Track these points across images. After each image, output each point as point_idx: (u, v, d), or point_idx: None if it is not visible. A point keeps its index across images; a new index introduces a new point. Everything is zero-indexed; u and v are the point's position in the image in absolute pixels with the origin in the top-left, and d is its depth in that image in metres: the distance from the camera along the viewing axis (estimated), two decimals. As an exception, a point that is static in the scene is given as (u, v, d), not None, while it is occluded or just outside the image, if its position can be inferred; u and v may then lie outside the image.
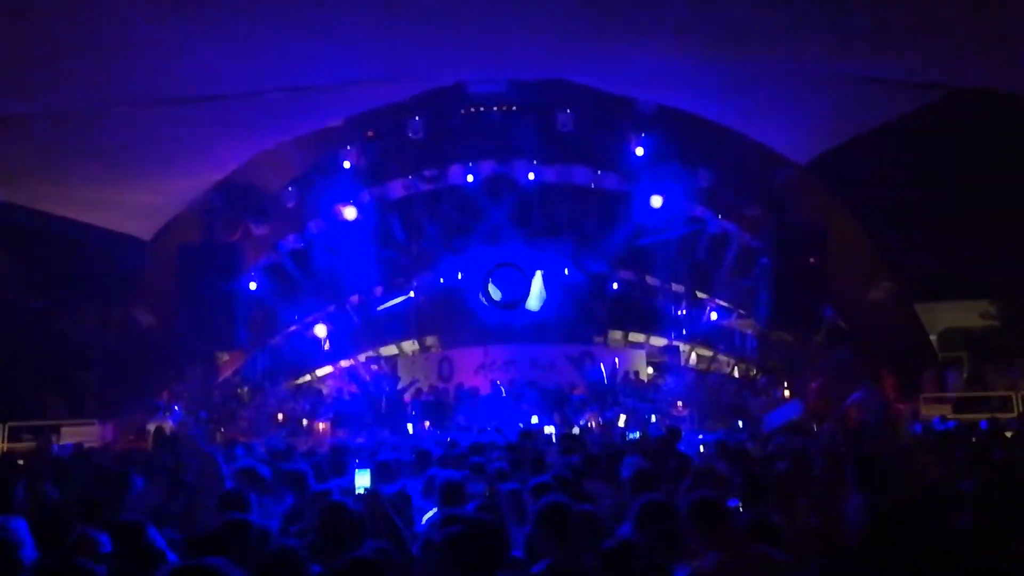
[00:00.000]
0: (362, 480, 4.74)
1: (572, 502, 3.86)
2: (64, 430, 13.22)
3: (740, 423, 13.96)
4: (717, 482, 5.20)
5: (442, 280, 18.76)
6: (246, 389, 15.84)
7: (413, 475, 6.09)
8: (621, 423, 14.30)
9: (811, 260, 14.08)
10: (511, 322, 18.45)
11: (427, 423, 14.86)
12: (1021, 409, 13.29)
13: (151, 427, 13.69)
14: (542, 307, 18.50)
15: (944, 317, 17.77)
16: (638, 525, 3.51)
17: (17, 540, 3.20)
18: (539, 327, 18.54)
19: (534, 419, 14.67)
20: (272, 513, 5.04)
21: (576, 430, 13.57)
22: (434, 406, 15.60)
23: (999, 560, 3.15)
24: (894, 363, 14.78)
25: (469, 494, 4.99)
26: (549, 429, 12.02)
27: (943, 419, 10.37)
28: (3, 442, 12.98)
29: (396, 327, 19.31)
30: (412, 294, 19.04)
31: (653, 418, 14.60)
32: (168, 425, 13.64)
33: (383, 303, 18.64)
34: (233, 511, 4.27)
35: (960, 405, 13.97)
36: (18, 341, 13.53)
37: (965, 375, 14.84)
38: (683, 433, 9.37)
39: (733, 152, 14.18)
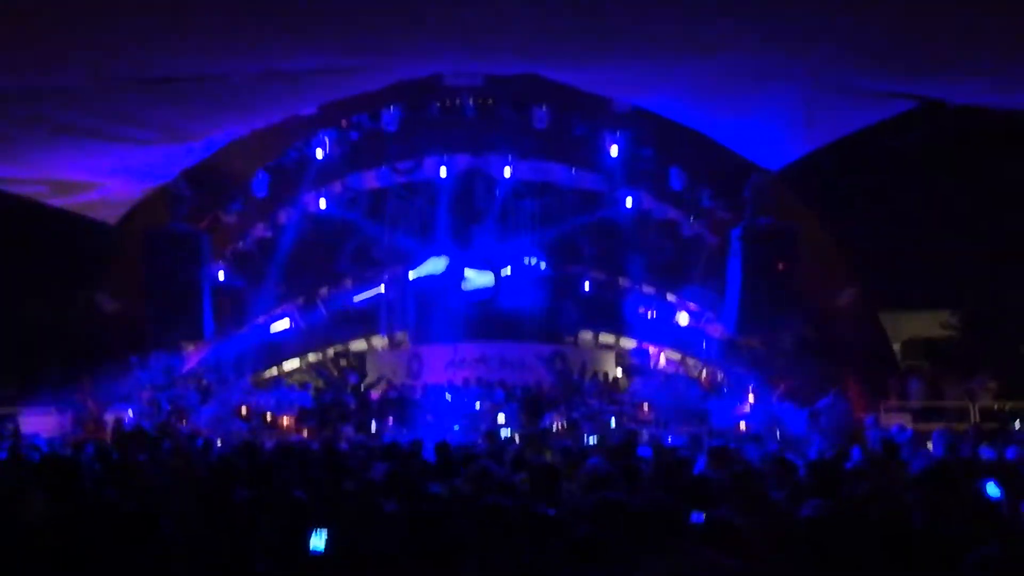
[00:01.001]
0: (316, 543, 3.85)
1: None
2: (21, 419, 12.94)
3: (705, 426, 14.12)
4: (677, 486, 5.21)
5: (411, 278, 18.64)
6: (209, 381, 15.59)
7: None
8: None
9: (780, 266, 14.20)
10: (482, 319, 18.39)
11: (391, 420, 14.77)
12: (976, 420, 13.55)
13: (110, 418, 13.46)
14: (513, 304, 18.44)
15: (907, 326, 18.07)
16: (594, 523, 3.49)
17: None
18: (510, 325, 18.50)
19: (501, 417, 14.66)
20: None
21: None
22: (400, 403, 15.51)
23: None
24: (858, 371, 15.00)
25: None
26: (505, 432, 11.99)
27: (902, 428, 10.52)
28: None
29: (366, 322, 19.15)
30: (383, 288, 18.88)
31: (612, 422, 14.66)
32: (127, 416, 13.41)
33: (357, 294, 18.46)
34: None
35: (920, 415, 14.21)
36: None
37: (925, 385, 15.09)
38: (645, 436, 9.42)
39: (706, 156, 14.27)
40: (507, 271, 18.38)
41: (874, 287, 15.66)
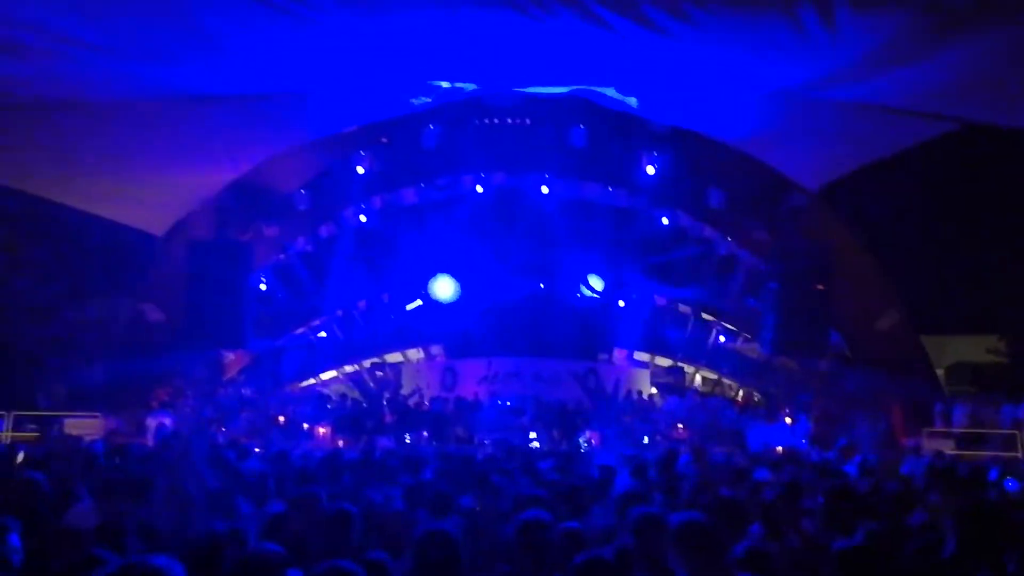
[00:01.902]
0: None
1: (555, 520, 3.87)
2: (67, 422, 13.31)
3: (740, 447, 13.93)
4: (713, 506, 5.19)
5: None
6: (249, 390, 15.88)
7: None
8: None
9: (818, 287, 14.02)
10: (517, 335, 18.44)
11: (425, 433, 14.86)
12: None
13: (151, 423, 13.77)
14: (549, 320, 18.44)
15: (951, 351, 17.68)
16: (633, 539, 3.49)
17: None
18: (545, 342, 18.51)
19: (532, 435, 14.66)
20: (257, 516, 5.06)
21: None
22: (433, 416, 15.60)
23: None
24: (900, 395, 14.69)
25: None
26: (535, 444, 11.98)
27: (939, 455, 10.28)
28: (8, 431, 13.10)
29: (402, 335, 19.34)
30: (420, 302, 19.06)
31: (646, 439, 14.55)
32: (168, 421, 13.71)
33: (404, 305, 18.62)
34: (218, 515, 4.32)
35: (963, 441, 13.86)
36: (26, 331, 13.66)
37: (970, 411, 14.72)
38: (680, 455, 9.35)
39: (744, 175, 14.19)
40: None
41: (918, 310, 15.36)
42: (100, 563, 2.88)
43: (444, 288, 17.79)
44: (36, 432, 12.88)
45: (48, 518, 4.79)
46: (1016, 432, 13.93)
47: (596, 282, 17.97)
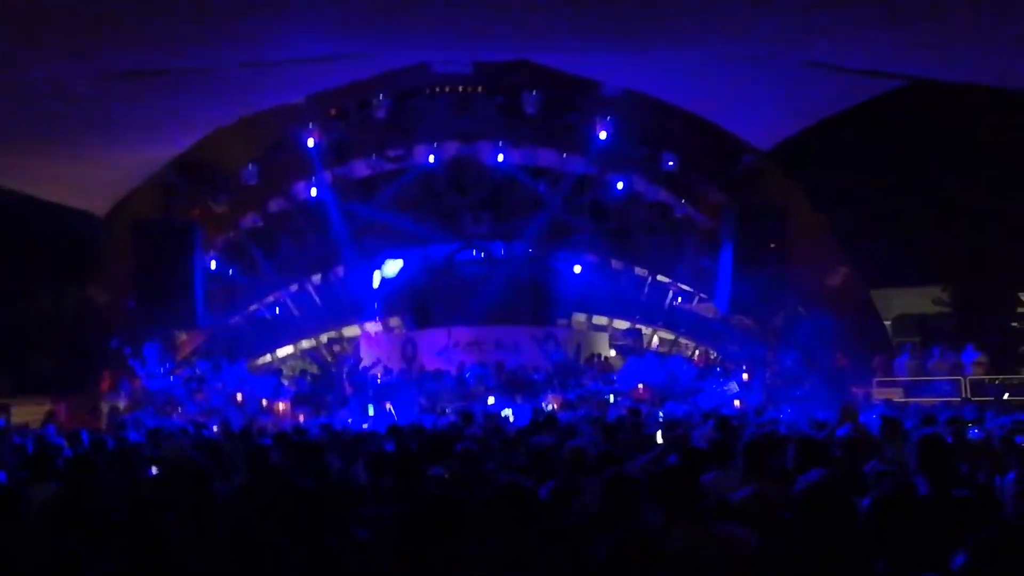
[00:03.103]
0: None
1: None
2: (14, 409, 12.94)
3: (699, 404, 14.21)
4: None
5: (403, 264, 18.62)
6: (203, 369, 15.59)
7: None
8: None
9: (772, 245, 14.27)
10: (475, 303, 18.42)
11: (388, 405, 14.82)
12: (967, 394, 13.70)
13: (105, 406, 13.46)
14: (507, 287, 18.48)
15: (898, 303, 18.21)
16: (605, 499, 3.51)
17: None
18: (504, 309, 18.54)
19: (491, 400, 14.75)
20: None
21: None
22: (396, 387, 15.56)
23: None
24: (849, 347, 15.12)
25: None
26: (507, 412, 12.09)
27: (888, 403, 10.63)
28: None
29: (359, 308, 19.15)
30: (379, 275, 18.87)
31: (611, 398, 14.76)
32: (121, 404, 13.42)
33: (359, 278, 18.45)
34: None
35: (911, 389, 14.35)
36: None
37: (915, 361, 15.22)
38: (642, 414, 9.49)
39: (697, 137, 14.28)
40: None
41: (865, 265, 15.75)
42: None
43: (390, 269, 17.84)
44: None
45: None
46: (960, 378, 14.48)
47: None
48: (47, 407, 13.25)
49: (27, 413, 12.78)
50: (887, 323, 17.32)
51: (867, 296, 16.06)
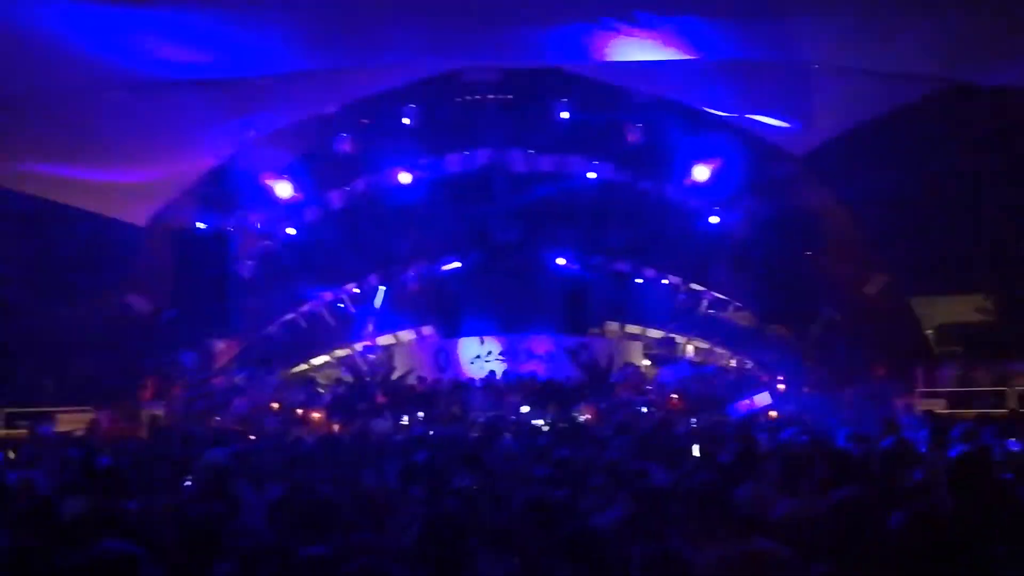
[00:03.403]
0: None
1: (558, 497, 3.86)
2: (59, 417, 13.22)
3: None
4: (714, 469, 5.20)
5: (436, 273, 18.73)
6: (241, 378, 15.82)
7: None
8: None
9: (807, 253, 14.05)
10: (508, 312, 18.44)
11: (420, 414, 14.86)
12: (1014, 405, 13.30)
13: (144, 415, 13.71)
14: (539, 297, 18.49)
15: (940, 312, 17.73)
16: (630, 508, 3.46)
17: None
18: (536, 319, 18.54)
19: (524, 409, 14.70)
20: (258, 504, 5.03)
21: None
22: (428, 396, 15.61)
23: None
24: (890, 357, 14.79)
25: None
26: (538, 421, 12.04)
27: (931, 415, 10.33)
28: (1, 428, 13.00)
29: (393, 316, 19.30)
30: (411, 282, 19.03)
31: (644, 409, 14.62)
32: (161, 413, 13.65)
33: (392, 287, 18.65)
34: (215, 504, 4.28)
35: (954, 400, 13.97)
36: (13, 328, 13.50)
37: (959, 370, 14.83)
38: (676, 424, 9.39)
39: (730, 144, 14.13)
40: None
41: (905, 272, 15.38)
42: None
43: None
44: (27, 429, 12.76)
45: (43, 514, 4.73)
46: (1005, 388, 14.06)
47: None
48: (90, 415, 13.53)
49: (71, 421, 13.06)
50: (928, 332, 16.89)
51: (907, 304, 15.70)
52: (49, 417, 12.96)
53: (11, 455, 9.07)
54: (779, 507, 4.40)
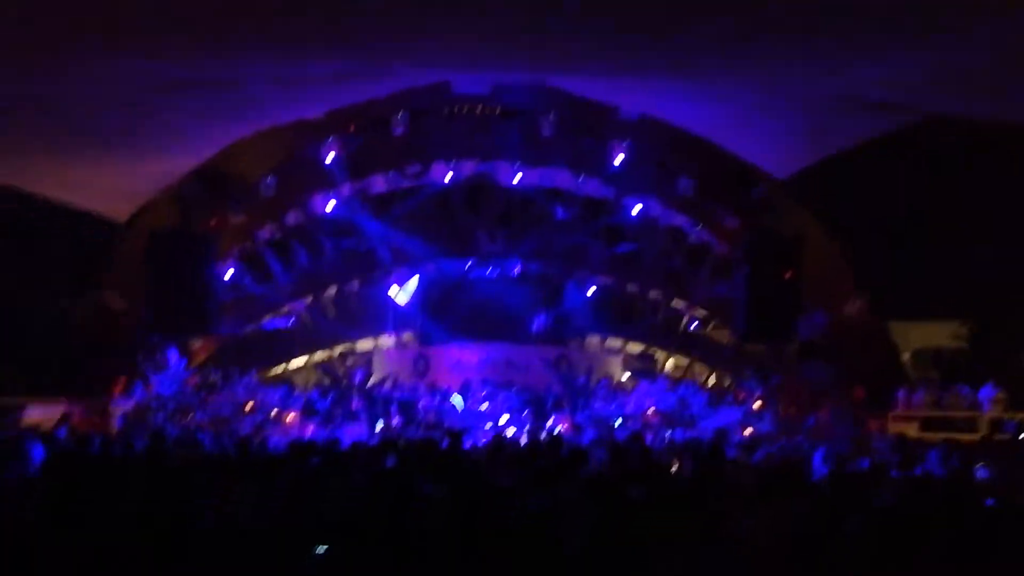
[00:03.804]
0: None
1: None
2: (28, 410, 13.08)
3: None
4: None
5: (418, 281, 18.69)
6: (216, 377, 15.70)
7: None
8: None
9: (787, 274, 14.17)
10: (488, 322, 18.44)
11: (396, 420, 14.82)
12: (985, 431, 13.45)
13: (115, 410, 13.60)
14: (521, 307, 18.52)
15: (917, 336, 17.94)
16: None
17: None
18: (516, 328, 18.56)
19: (503, 419, 14.71)
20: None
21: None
22: (406, 403, 15.57)
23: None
24: (866, 379, 14.92)
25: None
26: (511, 431, 12.05)
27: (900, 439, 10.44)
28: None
29: (372, 322, 19.22)
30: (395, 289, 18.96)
31: (618, 422, 14.67)
32: (132, 409, 13.54)
33: (373, 293, 18.55)
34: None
35: (928, 425, 14.12)
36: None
37: (933, 396, 14.98)
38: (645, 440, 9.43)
39: (713, 164, 14.27)
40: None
41: (884, 297, 15.57)
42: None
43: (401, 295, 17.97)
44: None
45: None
46: (977, 414, 14.23)
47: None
48: (61, 409, 13.40)
49: (41, 414, 12.93)
50: (905, 356, 17.08)
51: (884, 328, 15.86)
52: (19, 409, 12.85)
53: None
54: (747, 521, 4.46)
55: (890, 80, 9.27)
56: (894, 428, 13.77)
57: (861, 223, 14.37)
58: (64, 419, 12.39)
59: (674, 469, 6.92)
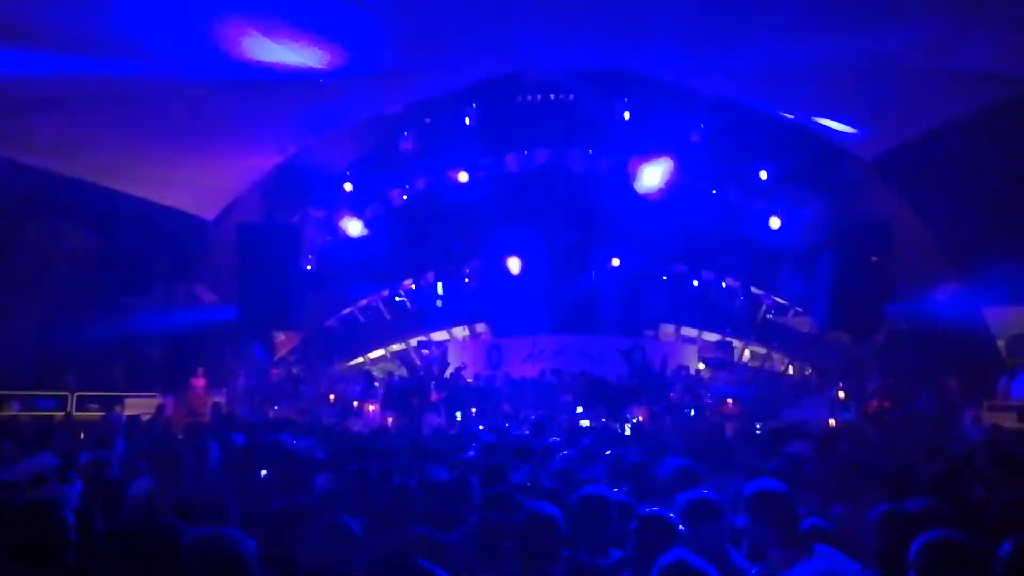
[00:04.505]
0: None
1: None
2: (127, 401, 13.76)
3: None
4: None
5: (492, 271, 18.81)
6: (300, 369, 16.19)
7: None
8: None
9: (873, 259, 13.66)
10: (562, 312, 18.42)
11: (473, 410, 14.96)
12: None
13: (208, 401, 14.15)
14: (594, 296, 18.44)
15: (1014, 323, 17.05)
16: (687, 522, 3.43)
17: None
18: (590, 318, 18.47)
19: (579, 410, 14.67)
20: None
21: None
22: (481, 393, 15.71)
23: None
24: (959, 367, 14.30)
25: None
26: (585, 423, 12.01)
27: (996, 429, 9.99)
28: (72, 410, 13.59)
29: (448, 313, 19.47)
30: (467, 280, 19.18)
31: (692, 412, 14.46)
32: (223, 400, 14.06)
33: (449, 284, 18.78)
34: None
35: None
36: (87, 315, 14.08)
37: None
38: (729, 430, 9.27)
39: (796, 146, 13.84)
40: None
41: (978, 282, 14.83)
42: (170, 532, 2.94)
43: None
44: (98, 411, 13.33)
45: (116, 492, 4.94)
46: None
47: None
48: (157, 401, 14.06)
49: (138, 406, 13.60)
50: (1000, 343, 16.26)
51: (979, 314, 15.14)
52: (119, 401, 13.52)
53: (82, 436, 9.48)
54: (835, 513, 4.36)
55: (981, 53, 8.80)
56: (989, 418, 13.14)
57: (954, 204, 13.71)
58: (160, 410, 12.99)
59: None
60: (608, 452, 6.24)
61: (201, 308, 15.29)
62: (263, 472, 5.62)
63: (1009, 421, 12.78)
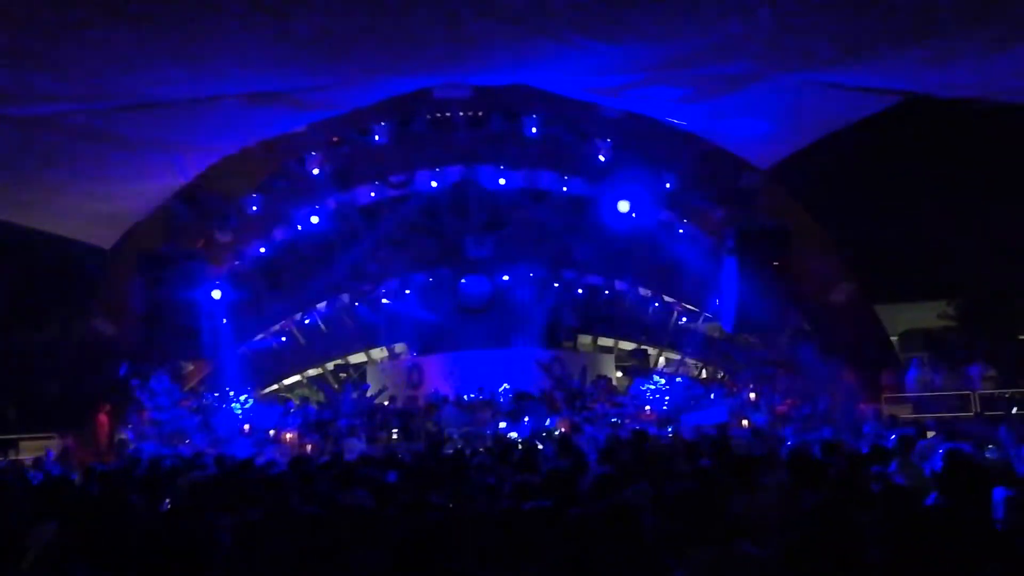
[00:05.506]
0: None
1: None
2: (23, 444, 12.93)
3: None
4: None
5: (408, 290, 18.70)
6: (211, 399, 15.59)
7: None
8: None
9: (775, 264, 14.25)
10: (480, 328, 18.46)
11: (395, 432, 14.78)
12: (978, 408, 13.59)
13: (111, 438, 13.46)
14: (512, 310, 18.56)
15: (904, 318, 18.11)
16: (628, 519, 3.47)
17: None
18: (509, 332, 18.58)
19: (501, 424, 14.70)
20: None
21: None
22: (403, 415, 15.54)
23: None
24: (856, 364, 15.04)
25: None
26: (513, 435, 12.08)
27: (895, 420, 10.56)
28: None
29: (364, 334, 19.20)
30: (384, 300, 18.96)
31: (615, 420, 14.74)
32: (128, 437, 13.40)
33: (363, 306, 18.48)
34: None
35: (920, 405, 14.23)
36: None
37: (924, 376, 15.10)
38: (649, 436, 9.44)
39: (696, 157, 14.33)
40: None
41: (870, 280, 15.68)
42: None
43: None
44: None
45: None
46: (970, 392, 14.35)
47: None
48: (54, 441, 13.24)
49: (34, 448, 12.77)
50: (894, 339, 17.22)
51: (872, 312, 15.98)
52: (13, 445, 12.69)
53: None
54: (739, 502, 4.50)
55: (871, 65, 9.35)
56: (888, 410, 13.90)
57: (845, 207, 14.49)
58: (66, 452, 12.25)
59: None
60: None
61: (101, 340, 14.54)
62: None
63: (905, 412, 13.55)
